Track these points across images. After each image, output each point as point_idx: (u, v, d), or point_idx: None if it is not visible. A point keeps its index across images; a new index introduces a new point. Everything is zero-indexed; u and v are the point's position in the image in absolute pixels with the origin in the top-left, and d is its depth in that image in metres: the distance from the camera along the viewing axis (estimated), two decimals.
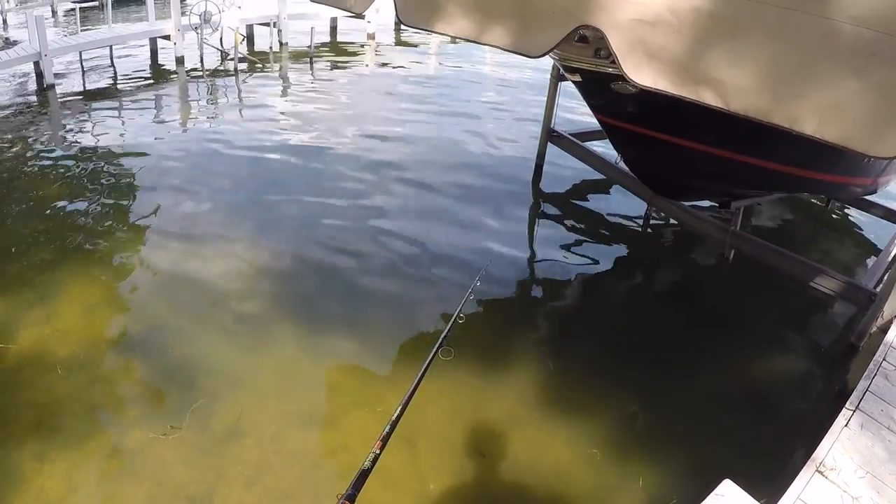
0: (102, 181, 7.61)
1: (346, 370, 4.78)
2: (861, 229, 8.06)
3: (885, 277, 5.13)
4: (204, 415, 4.17)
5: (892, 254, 5.86)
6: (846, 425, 3.61)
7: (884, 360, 4.20)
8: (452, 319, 2.76)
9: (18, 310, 5.05)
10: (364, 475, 1.39)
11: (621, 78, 3.42)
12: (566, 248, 7.02)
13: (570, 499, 3.90)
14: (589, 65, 4.58)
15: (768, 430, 4.56)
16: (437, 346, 2.44)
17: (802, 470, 3.31)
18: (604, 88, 4.78)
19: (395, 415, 1.76)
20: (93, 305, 5.21)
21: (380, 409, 4.35)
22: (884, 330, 4.79)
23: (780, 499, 3.16)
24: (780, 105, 3.00)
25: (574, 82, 5.33)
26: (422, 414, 4.37)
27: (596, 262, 6.84)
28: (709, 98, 3.15)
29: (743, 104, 3.09)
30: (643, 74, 3.28)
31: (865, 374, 4.06)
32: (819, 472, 3.28)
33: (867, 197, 6.90)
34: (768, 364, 5.38)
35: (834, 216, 8.35)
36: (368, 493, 3.75)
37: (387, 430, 1.65)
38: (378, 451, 1.50)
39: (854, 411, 3.72)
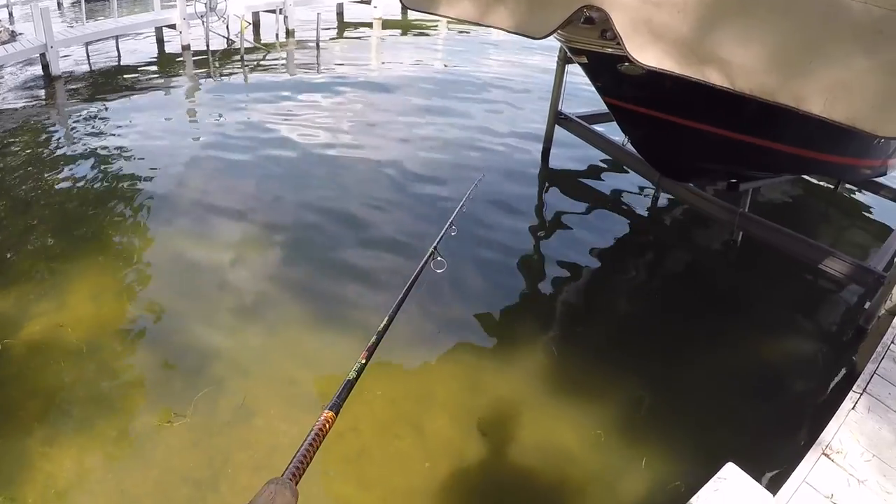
0: (109, 172, 7.61)
1: (353, 351, 4.73)
2: (871, 212, 7.98)
3: (895, 260, 5.08)
4: (211, 399, 4.18)
5: None
6: (853, 408, 3.59)
7: (892, 342, 4.18)
8: (444, 229, 2.71)
9: (28, 300, 5.07)
10: (349, 386, 1.32)
11: (627, 59, 3.39)
12: (572, 229, 7.01)
13: (573, 480, 3.89)
14: (595, 46, 4.54)
15: (775, 413, 4.55)
16: (427, 255, 2.37)
17: (808, 453, 3.30)
18: (610, 70, 4.74)
19: (383, 325, 1.67)
20: (101, 294, 5.22)
21: (382, 391, 4.38)
22: (892, 313, 4.76)
23: (784, 482, 3.16)
24: (787, 84, 2.96)
25: (580, 64, 5.29)
26: (429, 396, 4.42)
27: (603, 243, 6.83)
28: (714, 78, 3.12)
29: (749, 84, 3.05)
30: (648, 55, 3.25)
31: (873, 356, 4.04)
32: (825, 454, 3.27)
33: (877, 179, 6.83)
34: (776, 347, 5.35)
35: (844, 198, 8.27)
36: (380, 479, 3.89)
37: (373, 340, 1.57)
38: (364, 362, 1.44)
39: (861, 394, 3.70)
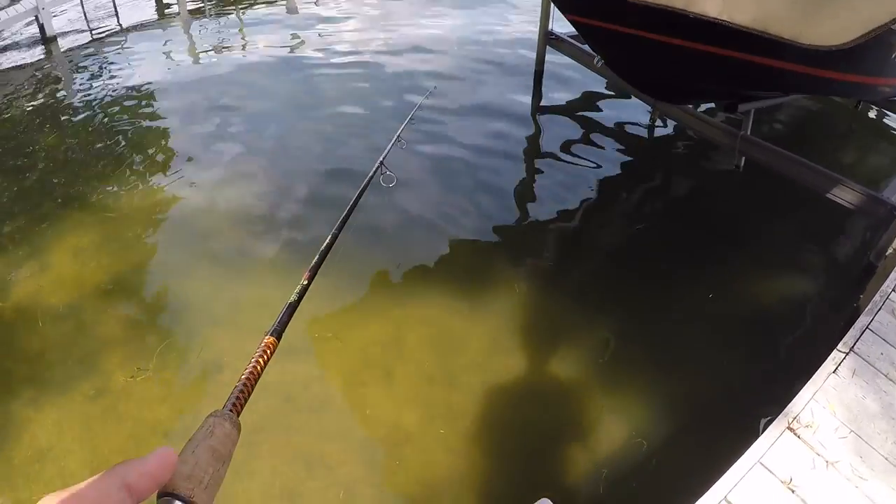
0: (100, 128, 7.14)
1: (325, 301, 4.47)
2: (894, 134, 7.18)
3: None
4: (182, 352, 4.13)
5: None
6: (834, 371, 3.01)
7: (893, 290, 3.53)
8: (392, 140, 2.67)
9: (13, 265, 4.95)
10: (291, 309, 1.20)
11: None
12: (561, 156, 6.37)
13: (536, 427, 3.69)
14: None
15: (761, 367, 4.03)
16: (375, 168, 2.27)
17: (770, 426, 2.76)
18: None
19: (326, 243, 1.54)
20: (83, 252, 5.03)
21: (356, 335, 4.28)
22: None
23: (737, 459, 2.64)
24: None
25: None
26: (398, 342, 4.22)
27: (596, 168, 6.22)
28: None
29: None
30: None
31: (869, 307, 3.41)
32: (791, 429, 2.73)
33: None
34: (775, 284, 4.82)
35: (865, 118, 7.43)
36: (342, 431, 3.59)
37: (316, 259, 1.43)
38: (306, 283, 1.32)
39: (847, 353, 3.10)
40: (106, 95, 7.85)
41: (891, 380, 2.98)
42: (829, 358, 3.07)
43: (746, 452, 2.63)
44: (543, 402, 3.86)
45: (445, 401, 3.82)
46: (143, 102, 7.62)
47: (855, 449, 2.66)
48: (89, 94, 7.90)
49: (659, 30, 4.03)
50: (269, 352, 1.07)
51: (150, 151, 6.45)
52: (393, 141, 2.68)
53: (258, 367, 1.00)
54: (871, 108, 7.37)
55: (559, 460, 3.54)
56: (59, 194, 5.76)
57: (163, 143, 6.65)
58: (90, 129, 7.02)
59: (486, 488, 3.41)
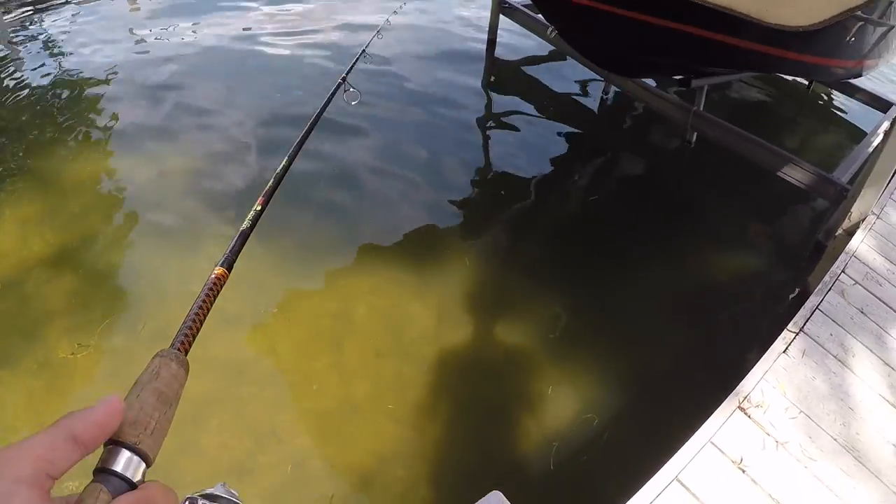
0: (47, 94, 6.67)
1: (273, 273, 4.34)
2: (845, 115, 7.29)
3: (861, 172, 4.44)
4: (129, 325, 3.92)
5: (872, 146, 5.08)
6: (784, 351, 3.02)
7: (843, 271, 3.56)
8: (355, 59, 2.51)
9: None
10: (243, 237, 1.12)
11: None
12: (512, 127, 6.29)
13: (487, 400, 3.66)
14: None
15: (712, 345, 4.06)
16: (337, 83, 2.18)
17: (721, 406, 2.76)
18: None
19: (282, 166, 1.42)
20: (26, 224, 4.71)
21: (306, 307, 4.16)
22: (850, 233, 4.15)
23: (688, 438, 2.64)
24: None
25: None
26: (348, 314, 4.11)
27: (548, 139, 6.17)
28: None
29: None
30: None
31: (819, 287, 3.44)
32: (741, 408, 2.73)
33: (851, 81, 6.10)
34: (726, 262, 4.85)
35: (817, 99, 7.55)
36: (294, 401, 3.49)
37: (270, 184, 1.33)
38: (259, 209, 1.23)
39: (797, 334, 3.12)
40: (50, 65, 7.39)
41: (840, 360, 3.02)
42: (780, 338, 3.08)
43: (697, 432, 2.62)
44: (494, 375, 3.82)
45: (396, 373, 3.75)
46: (90, 72, 7.18)
47: (805, 429, 2.68)
48: (34, 64, 7.43)
49: (615, 2, 3.95)
50: (219, 284, 1.00)
51: (97, 123, 6.07)
52: (358, 56, 2.55)
53: (207, 302, 0.94)
54: (822, 92, 7.50)
55: (510, 433, 3.52)
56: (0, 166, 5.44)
57: (110, 114, 6.29)
58: (32, 98, 6.61)
59: (437, 458, 3.36)
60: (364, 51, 2.82)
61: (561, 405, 3.62)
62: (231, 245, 1.10)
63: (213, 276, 1.00)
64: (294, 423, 3.46)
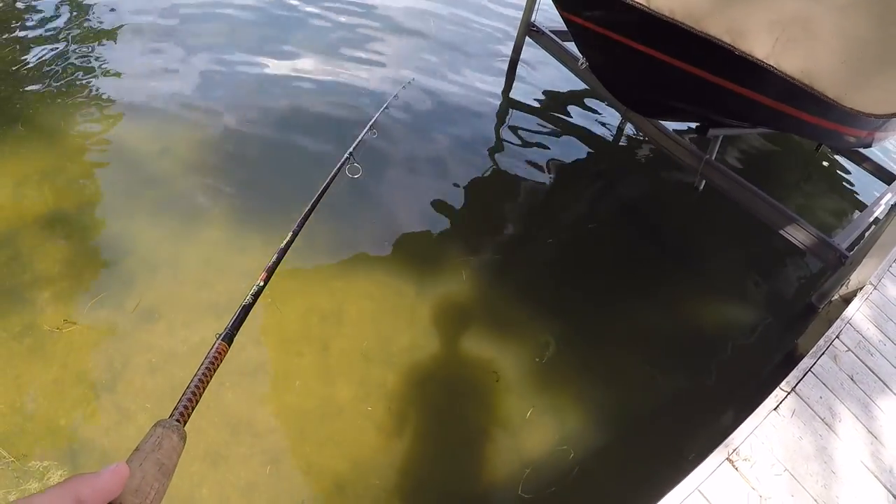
0: (58, 40, 6.57)
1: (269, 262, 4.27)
2: (850, 182, 7.38)
3: (861, 241, 4.47)
4: (117, 301, 3.86)
5: (873, 215, 5.16)
6: (775, 408, 3.04)
7: (837, 337, 3.60)
8: (364, 132, 2.55)
9: None
10: (245, 312, 1.17)
11: None
12: (524, 148, 6.29)
13: (467, 417, 3.66)
14: None
15: (693, 393, 4.07)
16: (343, 159, 2.23)
17: (712, 455, 2.76)
18: None
19: (285, 242, 1.49)
20: (23, 183, 4.64)
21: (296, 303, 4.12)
22: (846, 300, 4.19)
23: (677, 484, 2.62)
24: (721, 10, 2.23)
25: None
26: (339, 314, 4.09)
27: (557, 164, 6.17)
28: None
29: (668, 2, 2.33)
30: None
31: (813, 350, 3.47)
32: (730, 460, 2.73)
33: (860, 150, 6.19)
34: (717, 311, 4.90)
35: (824, 162, 7.64)
36: (276, 396, 3.45)
37: (274, 259, 1.40)
38: (262, 284, 1.29)
39: (789, 393, 3.14)
40: (69, 10, 7.31)
41: (827, 424, 3.03)
42: (772, 395, 3.10)
43: (686, 479, 2.62)
44: (476, 393, 3.82)
45: (380, 379, 3.72)
46: (106, 23, 7.12)
47: (788, 487, 2.68)
48: (50, 12, 7.34)
49: (670, 51, 3.95)
50: (219, 358, 1.04)
51: (108, 82, 6.02)
52: (365, 131, 2.59)
53: (208, 375, 0.98)
54: (826, 156, 7.59)
55: (484, 452, 3.50)
56: (4, 116, 5.35)
57: (121, 74, 6.23)
58: (44, 42, 6.52)
59: (412, 471, 3.35)
60: (372, 123, 2.78)
61: (538, 432, 3.61)
62: (233, 319, 1.15)
63: (214, 349, 1.04)
64: (273, 418, 3.43)
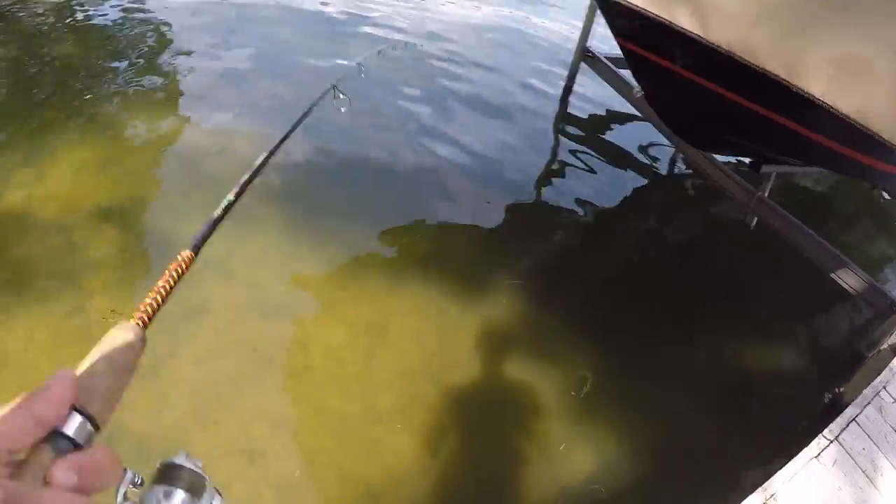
0: (121, 40, 6.90)
1: (319, 272, 4.48)
2: None
3: None
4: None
5: None
6: (817, 457, 3.01)
7: (884, 388, 3.55)
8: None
9: (8, 170, 4.81)
10: (213, 224, 1.18)
11: None
12: (575, 173, 6.33)
13: (505, 440, 3.67)
14: None
15: (734, 435, 4.00)
16: (323, 92, 2.21)
17: (748, 498, 2.75)
18: (619, 6, 3.95)
19: (262, 158, 1.48)
20: (82, 171, 4.88)
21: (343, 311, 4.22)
22: (895, 349, 4.12)
23: None
24: (777, 46, 2.24)
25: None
26: (384, 327, 4.16)
27: (607, 191, 6.19)
28: (683, 20, 2.43)
29: (725, 35, 2.36)
30: None
31: (858, 399, 3.43)
32: None
33: None
34: (762, 352, 4.79)
35: (880, 204, 7.48)
36: (318, 398, 3.58)
37: (247, 176, 1.36)
38: (232, 199, 1.26)
39: (831, 442, 3.11)
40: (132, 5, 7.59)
41: (868, 477, 2.99)
42: (814, 442, 3.08)
43: None
44: (512, 418, 3.83)
45: (420, 393, 3.78)
46: (175, 25, 7.35)
47: None
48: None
49: (725, 84, 3.94)
50: (184, 265, 1.05)
51: (173, 78, 6.24)
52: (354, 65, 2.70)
53: (171, 281, 0.98)
54: (881, 198, 7.44)
55: (516, 479, 3.51)
56: (68, 104, 5.56)
57: (188, 71, 6.43)
58: (107, 36, 6.76)
59: (444, 487, 3.38)
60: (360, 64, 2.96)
61: (570, 466, 3.58)
62: (201, 229, 1.16)
63: (179, 257, 1.05)
64: (313, 419, 3.52)
